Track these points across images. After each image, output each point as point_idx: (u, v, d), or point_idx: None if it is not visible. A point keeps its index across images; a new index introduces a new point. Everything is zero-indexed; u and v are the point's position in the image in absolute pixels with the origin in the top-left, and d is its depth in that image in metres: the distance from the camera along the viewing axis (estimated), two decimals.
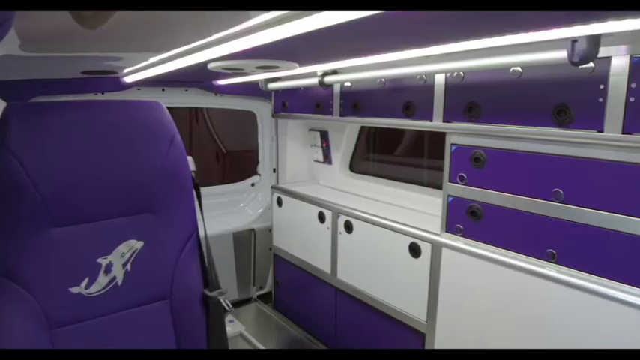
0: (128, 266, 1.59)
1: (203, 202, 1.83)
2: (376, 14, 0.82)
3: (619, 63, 1.37)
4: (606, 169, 1.47)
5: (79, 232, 1.52)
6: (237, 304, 3.42)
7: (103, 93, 2.62)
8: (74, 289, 1.50)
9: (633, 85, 1.35)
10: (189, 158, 1.79)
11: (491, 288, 1.81)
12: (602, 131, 1.43)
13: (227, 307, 1.75)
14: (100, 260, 1.55)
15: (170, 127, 1.71)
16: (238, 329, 2.97)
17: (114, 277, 1.57)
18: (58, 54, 1.63)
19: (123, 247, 1.59)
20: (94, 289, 1.53)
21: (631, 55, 1.34)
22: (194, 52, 1.45)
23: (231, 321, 3.04)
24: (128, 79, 2.46)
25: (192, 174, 1.78)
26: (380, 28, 1.07)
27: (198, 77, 2.66)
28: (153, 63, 1.82)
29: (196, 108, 5.02)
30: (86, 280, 1.52)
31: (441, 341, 2.06)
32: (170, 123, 1.72)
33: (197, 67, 1.73)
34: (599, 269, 1.51)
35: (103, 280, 1.55)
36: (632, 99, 1.36)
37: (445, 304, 2.03)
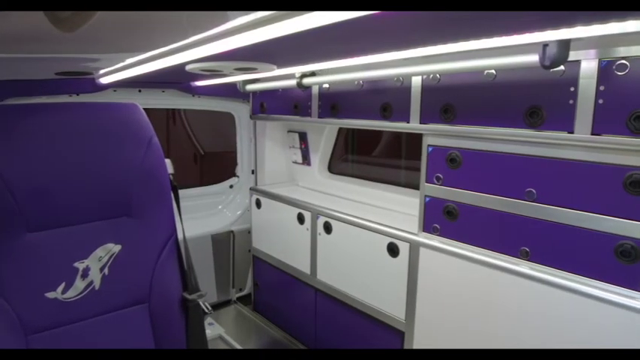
0: (106, 270, 1.58)
1: (181, 205, 1.82)
2: (354, 17, 0.83)
3: (588, 66, 1.42)
4: (577, 169, 1.52)
5: (55, 237, 1.50)
6: (216, 306, 3.41)
7: (77, 94, 2.57)
8: (50, 295, 1.47)
9: (602, 88, 1.40)
10: (167, 160, 1.78)
11: (468, 286, 1.85)
12: (572, 132, 1.48)
13: (206, 310, 1.75)
14: (76, 265, 1.53)
15: (147, 129, 1.70)
16: (218, 332, 2.96)
17: (91, 282, 1.55)
18: (31, 55, 1.60)
19: (100, 251, 1.57)
20: (71, 294, 1.51)
21: (599, 59, 1.39)
22: (172, 54, 1.44)
23: (210, 324, 3.03)
24: (104, 81, 2.42)
25: (170, 176, 1.77)
26: (358, 30, 1.08)
27: (176, 78, 2.64)
28: (130, 64, 1.80)
29: (174, 109, 4.97)
30: (62, 285, 1.49)
31: (420, 339, 2.09)
32: (147, 125, 1.71)
33: (175, 68, 1.72)
34: (571, 266, 1.56)
35: (80, 284, 1.52)
36: (600, 101, 1.41)
37: (423, 303, 2.06)
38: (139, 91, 2.85)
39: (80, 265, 1.53)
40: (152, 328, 1.65)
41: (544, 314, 1.61)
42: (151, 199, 1.68)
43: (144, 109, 1.75)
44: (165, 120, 5.18)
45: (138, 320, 1.63)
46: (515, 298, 1.69)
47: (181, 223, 1.79)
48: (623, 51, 1.34)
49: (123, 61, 1.79)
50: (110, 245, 1.59)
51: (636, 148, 1.36)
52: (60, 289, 1.49)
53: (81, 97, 2.58)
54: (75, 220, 1.54)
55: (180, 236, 1.77)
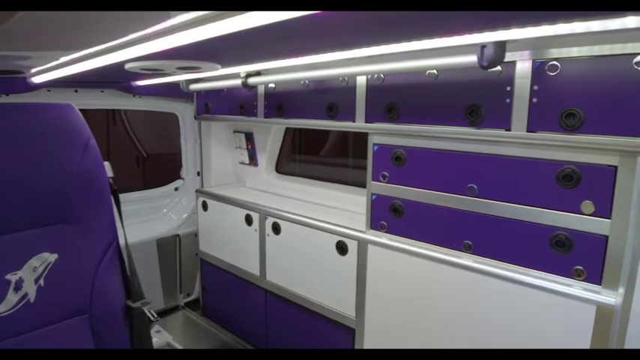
0: (41, 281, 1.48)
1: (123, 209, 1.75)
2: (298, 16, 0.83)
3: (523, 67, 1.49)
4: (514, 165, 1.59)
5: None
6: (163, 313, 3.31)
7: (7, 95, 2.42)
8: None
9: (536, 88, 1.47)
10: (106, 163, 1.70)
11: (415, 280, 1.89)
12: (509, 130, 1.55)
13: (152, 318, 1.69)
14: (8, 277, 1.43)
15: (84, 130, 1.62)
16: (165, 339, 2.87)
17: (25, 294, 1.45)
18: None
19: (35, 261, 1.48)
20: (3, 308, 1.41)
21: (533, 60, 1.47)
22: (110, 52, 1.38)
23: (158, 331, 2.93)
24: (36, 80, 2.29)
25: (110, 180, 1.70)
26: (301, 30, 1.08)
27: (115, 78, 2.54)
28: (64, 62, 1.71)
29: (114, 110, 4.77)
30: None
31: (371, 335, 2.13)
32: (84, 126, 1.63)
33: (113, 67, 1.65)
34: (511, 257, 1.64)
35: (12, 298, 1.43)
36: (534, 100, 1.48)
37: (373, 299, 2.09)
38: (76, 91, 2.72)
39: (12, 277, 1.43)
40: (94, 341, 1.57)
41: (487, 304, 1.68)
42: (90, 204, 1.60)
43: (81, 110, 1.66)
44: (105, 121, 4.96)
45: (78, 333, 1.55)
46: (460, 290, 1.75)
47: (123, 229, 1.72)
48: (554, 52, 1.42)
49: (57, 60, 1.70)
50: (45, 254, 1.50)
51: (568, 144, 1.44)
52: None
53: (11, 97, 2.43)
54: (6, 228, 1.44)
55: (122, 242, 1.70)
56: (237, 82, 2.31)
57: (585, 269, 1.47)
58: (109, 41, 1.27)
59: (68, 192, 1.55)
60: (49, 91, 2.57)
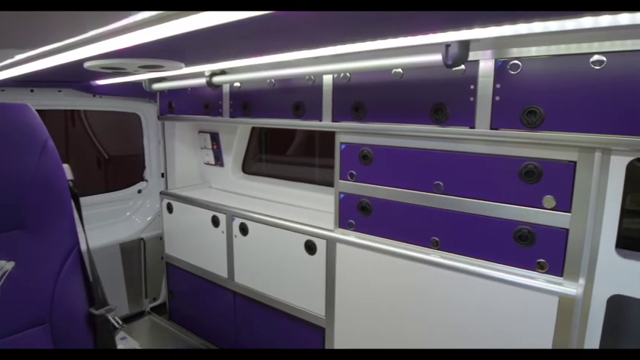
0: None
1: (85, 213, 1.69)
2: (262, 14, 0.82)
3: (486, 66, 1.53)
4: (478, 161, 1.62)
5: None
6: (128, 319, 3.23)
7: None
8: None
9: (498, 86, 1.51)
10: (66, 166, 1.64)
11: (384, 277, 1.91)
12: (473, 127, 1.58)
13: (117, 325, 1.64)
14: None
15: (41, 132, 1.55)
16: (132, 346, 2.80)
17: None
18: None
19: None
20: None
21: (495, 59, 1.50)
22: (67, 50, 1.32)
23: (123, 338, 2.86)
24: None
25: (70, 183, 1.64)
26: (267, 28, 1.07)
27: (74, 77, 2.44)
28: (19, 61, 1.63)
29: (73, 111, 4.61)
30: None
31: (340, 334, 2.13)
32: (41, 128, 1.56)
33: (71, 65, 1.59)
34: (476, 252, 1.67)
35: None
36: (497, 98, 1.52)
37: (342, 297, 2.09)
38: (32, 90, 2.61)
39: None
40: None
41: (455, 299, 1.71)
42: (48, 208, 1.54)
43: (38, 110, 1.59)
44: (64, 122, 4.79)
45: (38, 344, 1.48)
46: (428, 285, 1.78)
47: (84, 233, 1.66)
48: (515, 52, 1.46)
49: (12, 58, 1.62)
50: (1, 262, 1.43)
51: (529, 141, 1.48)
52: None
53: None
54: None
55: (83, 247, 1.64)
56: (202, 81, 2.27)
57: (547, 262, 1.52)
58: (67, 39, 1.22)
59: (24, 196, 1.48)
60: (2, 90, 2.46)
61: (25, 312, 1.47)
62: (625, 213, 1.47)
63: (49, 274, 1.52)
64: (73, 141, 4.84)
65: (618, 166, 1.39)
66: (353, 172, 1.97)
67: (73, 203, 1.64)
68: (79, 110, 4.56)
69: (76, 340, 1.56)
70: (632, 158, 1.37)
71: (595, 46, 1.32)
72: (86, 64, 1.59)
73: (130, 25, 0.98)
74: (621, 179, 1.40)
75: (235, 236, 2.59)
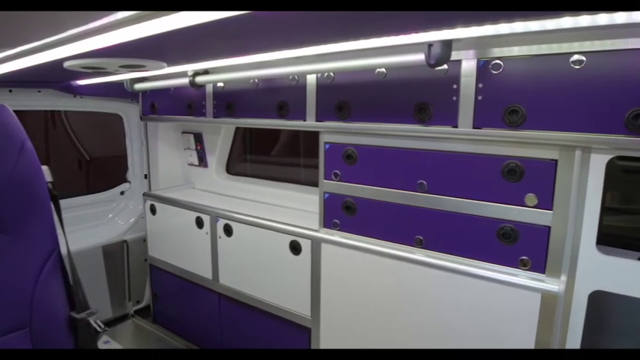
0: None
1: (65, 215, 1.66)
2: (240, 14, 0.81)
3: (468, 65, 1.54)
4: (461, 160, 1.64)
5: None
6: (112, 322, 3.19)
7: None
8: None
9: (480, 85, 1.52)
10: (45, 167, 1.60)
11: (369, 276, 1.91)
12: (456, 126, 1.59)
13: (99, 329, 1.61)
14: None
15: (19, 133, 1.52)
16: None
17: None
18: None
19: None
20: None
21: (478, 59, 1.52)
22: (46, 49, 1.30)
23: (106, 342, 2.82)
24: None
25: (49, 185, 1.60)
26: (250, 28, 1.06)
27: (54, 77, 2.40)
28: None
29: (53, 111, 4.53)
30: None
31: (326, 334, 2.13)
32: (18, 128, 1.53)
33: (51, 65, 1.56)
34: (460, 250, 1.68)
35: None
36: (479, 97, 1.53)
37: (327, 297, 2.09)
38: (10, 91, 2.56)
39: None
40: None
41: (440, 297, 1.72)
42: (27, 211, 1.50)
43: (16, 111, 1.56)
44: (44, 123, 4.70)
45: (18, 348, 1.45)
46: (412, 284, 1.78)
47: (64, 236, 1.63)
48: (497, 52, 1.48)
49: None
50: None
51: (512, 140, 1.50)
52: None
53: None
54: None
55: (64, 250, 1.61)
56: (185, 81, 2.25)
57: (530, 259, 1.54)
58: (46, 38, 1.20)
59: (2, 199, 1.45)
60: None
61: (4, 317, 1.44)
62: (605, 210, 1.50)
63: (28, 277, 1.49)
64: (54, 142, 4.76)
65: (598, 164, 1.41)
66: (337, 171, 1.97)
67: (52, 205, 1.60)
68: (59, 111, 4.49)
69: (57, 344, 1.53)
70: (611, 156, 1.40)
71: (575, 46, 1.34)
72: (66, 64, 1.56)
73: (109, 24, 0.96)
74: (601, 177, 1.42)
75: (220, 237, 2.57)
